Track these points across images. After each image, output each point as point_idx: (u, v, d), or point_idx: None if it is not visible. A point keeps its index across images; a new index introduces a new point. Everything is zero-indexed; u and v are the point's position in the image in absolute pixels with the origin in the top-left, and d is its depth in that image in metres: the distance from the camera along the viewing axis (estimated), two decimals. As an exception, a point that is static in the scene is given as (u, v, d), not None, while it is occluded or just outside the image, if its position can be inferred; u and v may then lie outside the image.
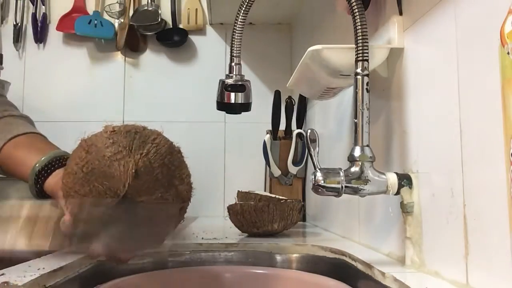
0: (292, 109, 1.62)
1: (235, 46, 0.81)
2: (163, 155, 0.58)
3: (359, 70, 0.69)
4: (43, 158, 0.72)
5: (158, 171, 0.56)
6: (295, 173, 1.59)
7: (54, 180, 0.69)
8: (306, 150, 1.46)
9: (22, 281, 0.58)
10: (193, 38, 1.90)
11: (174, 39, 1.88)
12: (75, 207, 0.57)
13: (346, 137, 1.06)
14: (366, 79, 0.69)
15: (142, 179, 0.55)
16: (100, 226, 0.56)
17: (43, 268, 0.66)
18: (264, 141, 1.60)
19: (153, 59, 1.90)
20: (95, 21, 1.84)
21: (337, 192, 0.68)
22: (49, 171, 0.71)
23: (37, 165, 0.71)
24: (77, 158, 0.58)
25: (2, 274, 0.62)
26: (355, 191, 0.68)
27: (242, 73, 0.82)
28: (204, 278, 0.79)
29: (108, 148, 0.56)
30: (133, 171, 0.54)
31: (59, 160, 0.72)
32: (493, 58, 0.45)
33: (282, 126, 1.63)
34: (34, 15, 1.87)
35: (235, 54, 0.81)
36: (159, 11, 1.86)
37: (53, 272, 0.66)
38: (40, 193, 0.72)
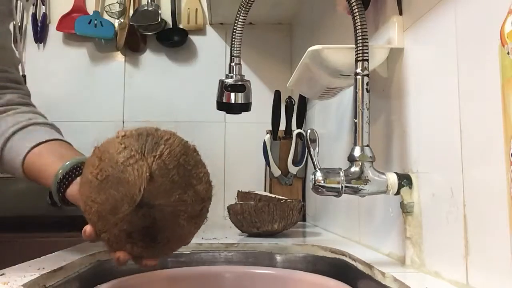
0: (292, 109, 1.62)
1: (235, 46, 0.81)
2: (178, 156, 0.56)
3: (359, 70, 0.69)
4: (65, 165, 0.71)
5: (173, 172, 0.55)
6: (295, 173, 1.59)
7: (75, 188, 0.68)
8: (306, 150, 1.46)
9: (22, 281, 0.58)
10: (193, 38, 1.90)
11: (174, 39, 1.87)
12: (94, 217, 0.56)
13: (346, 137, 1.06)
14: (366, 79, 0.69)
15: (157, 182, 0.53)
16: (122, 233, 0.55)
17: (43, 268, 0.66)
18: (264, 141, 1.60)
19: (153, 59, 1.90)
20: (95, 21, 1.84)
21: (337, 192, 0.68)
22: (70, 178, 0.70)
23: (59, 172, 0.71)
24: (90, 166, 0.57)
25: (2, 274, 0.62)
26: (355, 191, 0.68)
27: (242, 73, 0.82)
28: (204, 278, 0.79)
29: (120, 153, 0.55)
30: (148, 174, 0.53)
31: (80, 167, 0.71)
32: (493, 58, 0.45)
33: (282, 126, 1.63)
34: (34, 15, 1.87)
35: (235, 54, 0.81)
36: (159, 11, 1.85)
37: (53, 272, 0.66)
38: (64, 201, 0.72)
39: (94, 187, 0.55)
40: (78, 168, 0.71)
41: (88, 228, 0.58)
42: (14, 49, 0.92)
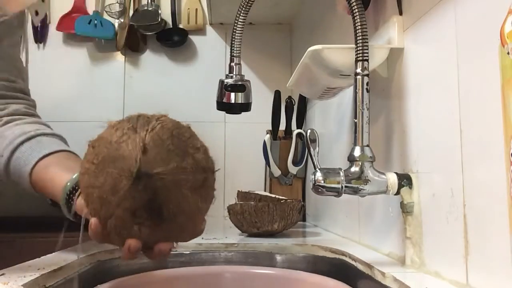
0: (292, 109, 1.62)
1: (235, 46, 0.81)
2: (170, 129, 0.56)
3: (359, 70, 0.69)
4: (72, 178, 0.71)
5: (168, 142, 0.55)
6: (295, 173, 1.59)
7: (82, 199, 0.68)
8: (306, 150, 1.46)
9: (22, 281, 0.58)
10: (193, 38, 1.90)
11: (174, 39, 1.87)
12: (97, 204, 0.55)
13: (346, 137, 1.06)
14: (366, 79, 0.69)
15: (152, 151, 0.53)
16: (127, 213, 0.53)
17: (43, 268, 0.66)
18: (264, 141, 1.60)
19: (153, 59, 1.90)
20: (95, 21, 1.84)
21: (337, 192, 0.68)
22: (78, 189, 0.69)
23: (68, 185, 0.71)
24: (86, 156, 0.57)
25: (2, 274, 0.62)
26: (355, 191, 0.68)
27: (242, 73, 0.82)
28: (204, 278, 0.79)
29: (113, 135, 0.56)
30: (141, 145, 0.53)
31: None
32: (493, 58, 0.45)
33: (282, 126, 1.63)
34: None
35: (235, 54, 0.81)
36: (159, 11, 1.85)
37: (53, 272, 0.66)
38: (73, 214, 0.72)
39: (91, 173, 0.55)
40: None
41: (93, 220, 0.56)
42: (22, 59, 0.92)
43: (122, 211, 0.54)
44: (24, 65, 0.96)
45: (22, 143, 0.79)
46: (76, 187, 0.70)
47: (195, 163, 0.56)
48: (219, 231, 1.19)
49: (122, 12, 1.87)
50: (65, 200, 0.71)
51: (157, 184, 0.53)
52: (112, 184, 0.53)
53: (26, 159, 0.78)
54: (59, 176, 0.73)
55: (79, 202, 0.68)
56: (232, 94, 0.82)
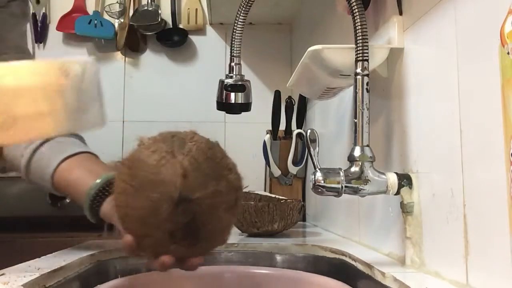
0: (292, 109, 1.62)
1: (235, 46, 0.81)
2: (205, 150, 0.58)
3: (359, 70, 0.69)
4: (95, 183, 0.71)
5: (204, 166, 0.56)
6: (295, 173, 1.59)
7: (109, 206, 0.68)
8: (306, 150, 1.46)
9: (22, 281, 0.58)
10: (193, 38, 1.90)
11: (174, 39, 1.87)
12: (135, 224, 0.56)
13: (346, 137, 1.06)
14: (366, 79, 0.69)
15: (191, 176, 0.55)
16: (165, 234, 0.55)
17: (43, 268, 0.66)
18: (264, 141, 1.60)
19: (153, 59, 1.90)
20: (95, 21, 1.84)
21: (337, 192, 0.68)
22: (103, 196, 0.70)
23: (91, 191, 0.71)
24: (123, 176, 0.58)
25: (2, 274, 0.62)
26: (355, 191, 0.68)
27: (242, 73, 0.82)
28: (204, 278, 0.79)
29: (150, 157, 0.56)
30: (181, 171, 0.54)
31: (112, 184, 0.68)
32: (493, 58, 0.45)
33: (282, 126, 1.63)
34: (34, 15, 1.87)
35: (235, 54, 0.81)
36: (159, 11, 1.85)
37: (53, 272, 0.66)
38: (97, 218, 0.72)
39: (129, 194, 0.56)
40: (108, 187, 0.71)
41: (128, 237, 0.57)
42: (31, 52, 0.92)
43: (161, 232, 0.55)
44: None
45: (42, 143, 0.79)
46: (100, 193, 0.71)
47: (229, 184, 0.58)
48: (219, 231, 1.18)
49: (122, 12, 1.87)
50: (88, 205, 0.71)
51: (196, 208, 0.55)
52: (152, 208, 0.54)
53: (48, 161, 0.78)
54: (82, 180, 0.74)
55: (107, 211, 0.69)
56: (232, 94, 0.82)
